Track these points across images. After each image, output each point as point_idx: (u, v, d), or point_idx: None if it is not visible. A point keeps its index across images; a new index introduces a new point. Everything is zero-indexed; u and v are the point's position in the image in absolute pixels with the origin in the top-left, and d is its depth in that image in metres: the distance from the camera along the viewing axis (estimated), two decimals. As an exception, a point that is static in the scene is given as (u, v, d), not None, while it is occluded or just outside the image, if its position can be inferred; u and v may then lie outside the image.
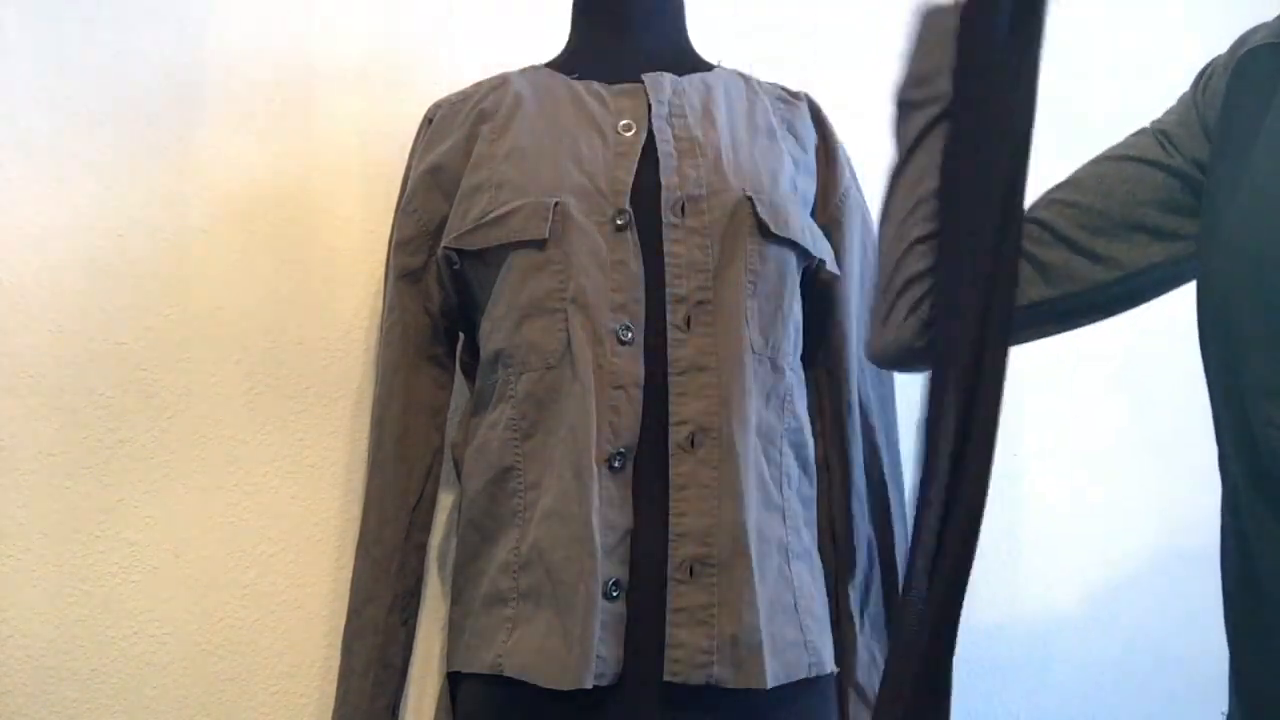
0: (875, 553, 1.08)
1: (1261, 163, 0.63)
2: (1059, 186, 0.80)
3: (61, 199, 1.12)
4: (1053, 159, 1.65)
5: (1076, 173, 0.79)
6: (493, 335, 0.99)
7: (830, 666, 0.97)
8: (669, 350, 0.94)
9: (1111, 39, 1.65)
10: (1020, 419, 1.45)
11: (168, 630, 1.10)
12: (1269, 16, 0.69)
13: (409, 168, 1.10)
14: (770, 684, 0.89)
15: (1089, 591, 1.45)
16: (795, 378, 1.02)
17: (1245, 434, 0.60)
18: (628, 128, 1.00)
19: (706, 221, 0.97)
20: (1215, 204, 0.67)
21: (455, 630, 1.01)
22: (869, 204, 1.14)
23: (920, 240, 0.75)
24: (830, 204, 1.10)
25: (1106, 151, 0.79)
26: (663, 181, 0.98)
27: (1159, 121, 0.77)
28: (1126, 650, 1.45)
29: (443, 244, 1.02)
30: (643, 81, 1.04)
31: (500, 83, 1.07)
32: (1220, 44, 0.75)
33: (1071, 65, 1.63)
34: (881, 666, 1.05)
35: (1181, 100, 0.76)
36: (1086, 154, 0.81)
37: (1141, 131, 0.78)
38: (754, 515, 0.92)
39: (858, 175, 1.14)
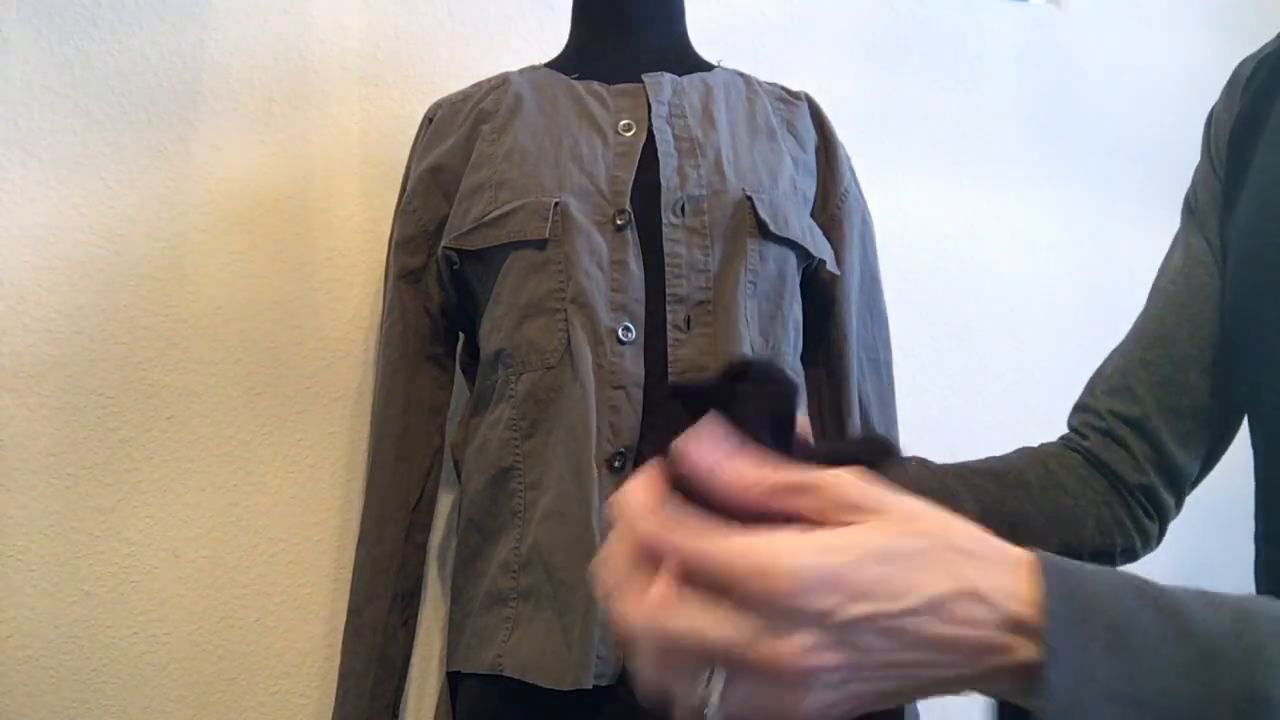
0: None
1: (1265, 163, 0.63)
2: (1139, 345, 0.71)
3: (61, 199, 1.12)
4: (1051, 165, 1.66)
5: (1149, 323, 0.71)
6: (493, 335, 0.99)
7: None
8: (669, 350, 0.94)
9: (1107, 42, 1.64)
10: (1027, 422, 1.45)
11: (168, 630, 1.10)
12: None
13: (409, 168, 1.10)
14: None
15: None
16: (795, 378, 1.02)
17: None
18: (628, 128, 1.00)
19: (706, 221, 0.97)
20: (1229, 211, 0.67)
21: (455, 630, 1.01)
22: (868, 204, 1.15)
23: None
24: (830, 203, 1.10)
25: (1171, 281, 0.71)
26: (663, 182, 0.98)
27: (1189, 202, 0.72)
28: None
29: (443, 244, 1.02)
30: (643, 81, 1.04)
31: (500, 82, 1.07)
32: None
33: (1068, 68, 1.63)
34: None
35: (1198, 168, 0.73)
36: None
37: (1187, 229, 0.72)
38: (754, 515, 0.92)
39: (857, 175, 1.14)
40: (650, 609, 0.37)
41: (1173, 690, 0.37)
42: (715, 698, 0.36)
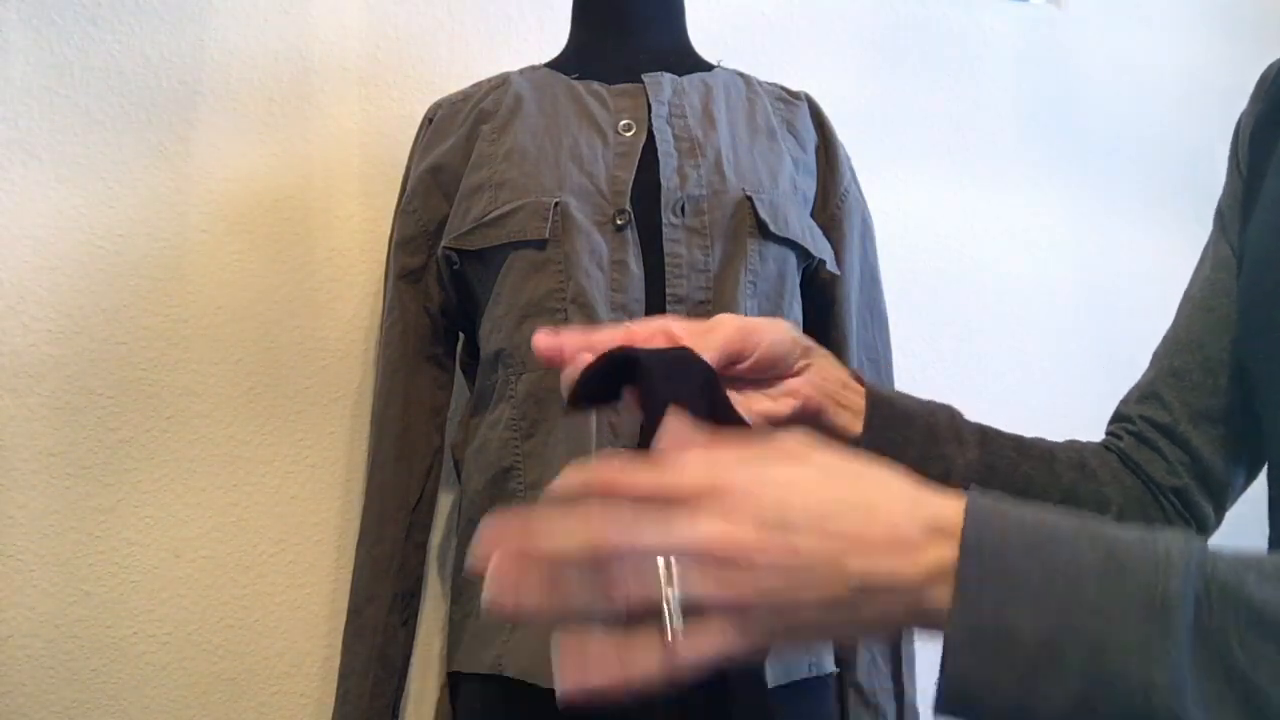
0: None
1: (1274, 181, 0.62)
2: (1169, 353, 0.70)
3: (61, 199, 1.12)
4: (1051, 165, 1.66)
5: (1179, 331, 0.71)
6: (493, 335, 0.99)
7: (830, 666, 0.97)
8: (669, 350, 0.94)
9: (1107, 42, 1.64)
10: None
11: (168, 630, 1.10)
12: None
13: (409, 168, 1.10)
14: (770, 684, 0.89)
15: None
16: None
17: None
18: (628, 128, 1.00)
19: (706, 222, 0.97)
20: (1248, 214, 0.66)
21: (455, 630, 1.01)
22: (869, 204, 1.15)
23: None
24: (830, 203, 1.10)
25: (1199, 289, 0.70)
26: (663, 182, 0.98)
27: (1219, 209, 0.72)
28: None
29: (443, 244, 1.02)
30: (643, 81, 1.04)
31: (500, 82, 1.07)
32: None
33: (1068, 68, 1.63)
34: (882, 666, 1.05)
35: (1227, 175, 0.72)
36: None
37: (1215, 236, 0.71)
38: (754, 515, 0.92)
39: (857, 175, 1.14)
40: (616, 524, 0.40)
41: (1082, 588, 0.39)
42: (676, 587, 0.39)
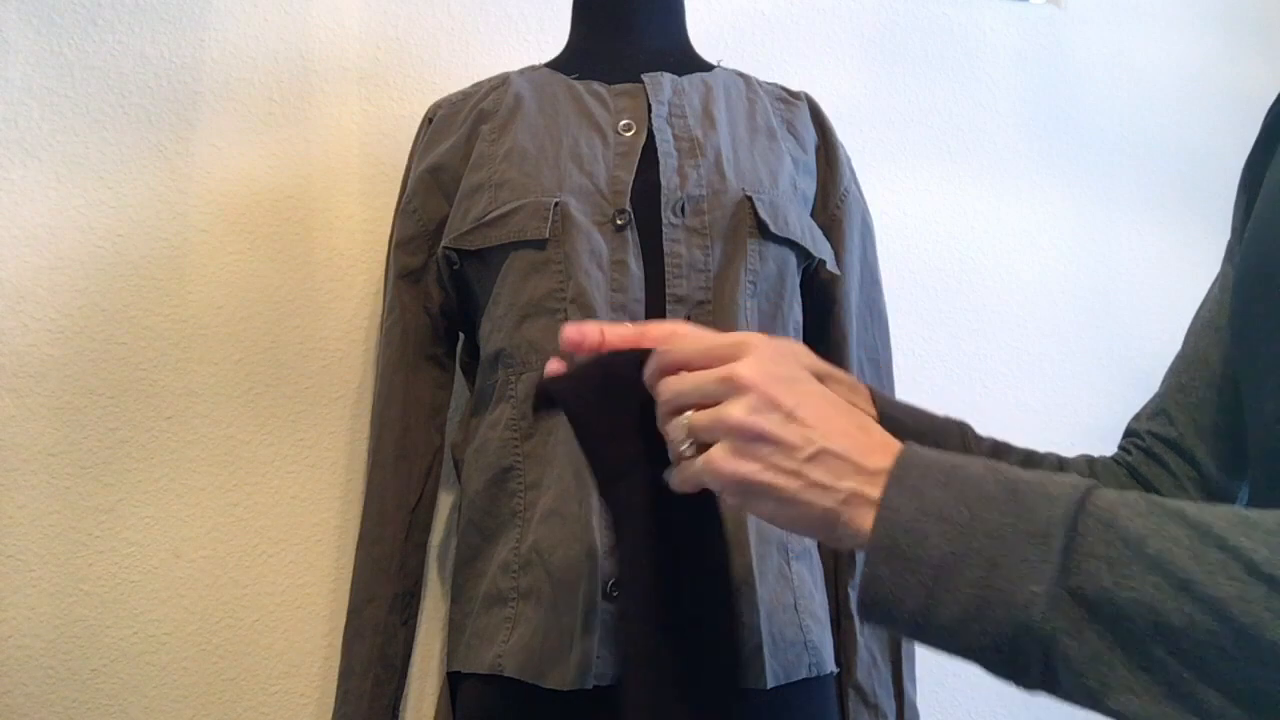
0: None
1: (1275, 176, 0.62)
2: (1176, 370, 0.72)
3: (61, 199, 1.12)
4: (1050, 164, 1.66)
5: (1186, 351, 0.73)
6: (493, 335, 0.99)
7: (830, 666, 0.97)
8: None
9: (1107, 41, 1.64)
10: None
11: (168, 630, 1.10)
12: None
13: (409, 168, 1.10)
14: (770, 684, 0.89)
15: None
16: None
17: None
18: (628, 128, 1.00)
19: (706, 221, 0.97)
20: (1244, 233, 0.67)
21: (455, 630, 1.01)
22: (869, 203, 1.15)
23: None
24: (830, 203, 1.10)
25: (1208, 309, 0.72)
26: (663, 182, 0.97)
27: (1228, 248, 0.72)
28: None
29: (443, 244, 1.02)
30: (642, 81, 1.04)
31: (500, 82, 1.07)
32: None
33: (1068, 68, 1.63)
34: (882, 666, 1.05)
35: (1234, 208, 0.72)
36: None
37: (1225, 258, 0.72)
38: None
39: (857, 174, 1.14)
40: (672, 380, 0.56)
41: (984, 518, 0.47)
42: (687, 419, 0.54)
